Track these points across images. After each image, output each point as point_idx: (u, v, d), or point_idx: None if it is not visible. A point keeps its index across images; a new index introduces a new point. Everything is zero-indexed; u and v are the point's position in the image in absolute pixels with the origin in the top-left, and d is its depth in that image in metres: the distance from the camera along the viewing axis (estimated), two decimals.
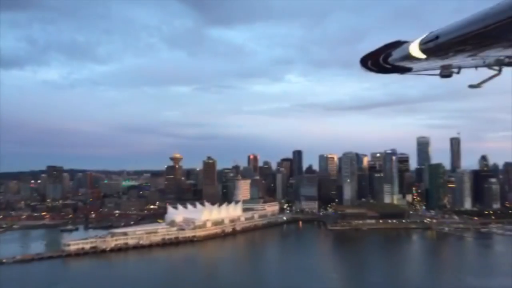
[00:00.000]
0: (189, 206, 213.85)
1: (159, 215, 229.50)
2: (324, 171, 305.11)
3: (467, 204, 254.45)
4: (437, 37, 4.06)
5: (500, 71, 5.13)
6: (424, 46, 4.41)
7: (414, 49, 4.67)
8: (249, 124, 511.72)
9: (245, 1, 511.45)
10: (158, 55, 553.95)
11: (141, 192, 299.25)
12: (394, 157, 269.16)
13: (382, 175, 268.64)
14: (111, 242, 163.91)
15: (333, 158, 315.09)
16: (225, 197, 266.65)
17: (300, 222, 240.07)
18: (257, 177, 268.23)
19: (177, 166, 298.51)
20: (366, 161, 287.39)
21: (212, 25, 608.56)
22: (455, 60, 5.04)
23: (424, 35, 4.51)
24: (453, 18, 3.92)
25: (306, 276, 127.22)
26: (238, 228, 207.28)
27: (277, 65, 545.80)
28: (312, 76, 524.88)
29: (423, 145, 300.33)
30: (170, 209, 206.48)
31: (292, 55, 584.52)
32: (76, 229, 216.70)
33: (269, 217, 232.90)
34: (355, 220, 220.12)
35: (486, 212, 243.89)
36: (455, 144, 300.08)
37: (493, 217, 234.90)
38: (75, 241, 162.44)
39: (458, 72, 5.55)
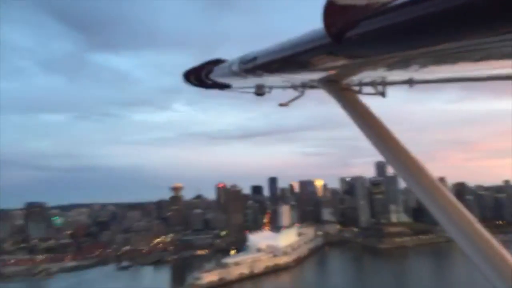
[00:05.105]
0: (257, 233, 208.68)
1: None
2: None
3: None
4: (255, 58, 4.15)
5: (303, 92, 5.73)
6: (244, 66, 4.49)
7: (235, 67, 4.79)
8: (129, 154, 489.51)
9: (131, 27, 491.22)
10: (31, 79, 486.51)
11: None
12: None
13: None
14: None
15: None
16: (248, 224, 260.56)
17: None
18: (293, 203, 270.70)
19: (179, 195, 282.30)
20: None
21: (96, 50, 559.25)
22: (268, 81, 5.48)
23: (244, 55, 4.62)
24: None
25: None
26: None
27: (164, 93, 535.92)
28: (197, 105, 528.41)
29: None
30: (250, 236, 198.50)
31: (181, 83, 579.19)
32: (131, 266, 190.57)
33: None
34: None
35: None
36: None
37: None
38: (208, 272, 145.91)
39: (269, 92, 6.11)
